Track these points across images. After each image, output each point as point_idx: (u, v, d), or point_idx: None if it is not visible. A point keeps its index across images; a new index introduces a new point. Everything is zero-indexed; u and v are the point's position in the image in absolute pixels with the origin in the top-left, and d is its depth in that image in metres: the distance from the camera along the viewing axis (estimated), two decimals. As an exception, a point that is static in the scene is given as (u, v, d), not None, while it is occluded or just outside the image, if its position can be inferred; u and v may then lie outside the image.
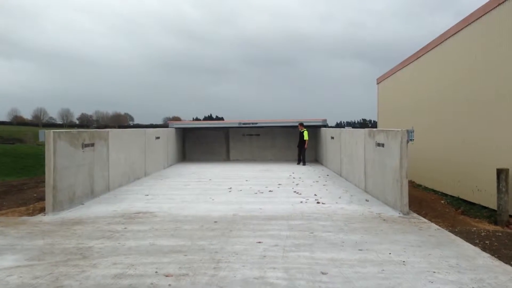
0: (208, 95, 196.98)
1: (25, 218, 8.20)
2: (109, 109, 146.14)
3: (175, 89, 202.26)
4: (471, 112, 10.60)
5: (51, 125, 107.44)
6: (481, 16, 9.90)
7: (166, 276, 4.97)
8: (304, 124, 19.42)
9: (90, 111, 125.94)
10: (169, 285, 4.69)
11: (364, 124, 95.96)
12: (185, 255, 5.73)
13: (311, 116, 21.75)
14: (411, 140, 8.25)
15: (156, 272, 5.09)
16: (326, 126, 19.90)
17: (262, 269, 5.16)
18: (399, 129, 8.41)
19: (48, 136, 8.26)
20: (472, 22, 10.40)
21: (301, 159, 19.22)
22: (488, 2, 9.63)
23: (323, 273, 5.03)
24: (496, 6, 9.34)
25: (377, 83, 20.35)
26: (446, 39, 11.96)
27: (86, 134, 9.81)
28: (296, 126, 19.90)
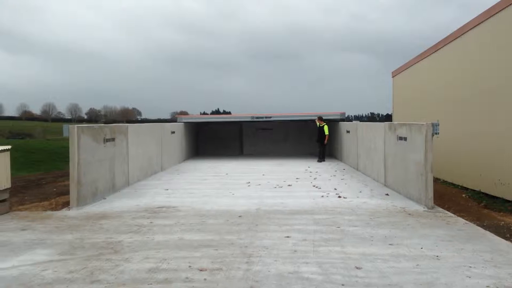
0: (213, 89, 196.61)
1: (50, 212, 8.24)
2: (117, 104, 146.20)
3: (180, 83, 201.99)
4: (493, 103, 10.47)
5: (60, 120, 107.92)
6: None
7: (200, 270, 4.96)
8: (323, 117, 18.30)
9: (98, 106, 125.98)
10: (205, 279, 4.68)
11: (372, 118, 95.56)
12: (216, 250, 5.72)
13: (315, 110, 21.25)
14: (436, 133, 8.18)
15: (190, 266, 5.09)
16: (344, 120, 19.04)
17: (295, 264, 5.14)
18: (424, 123, 8.34)
19: (72, 131, 8.29)
20: (495, 14, 10.26)
21: (322, 156, 18.09)
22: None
23: (357, 268, 5.00)
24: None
25: (392, 76, 20.20)
26: (471, 28, 11.78)
27: (107, 129, 9.83)
28: (310, 120, 19.26)
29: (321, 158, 18.06)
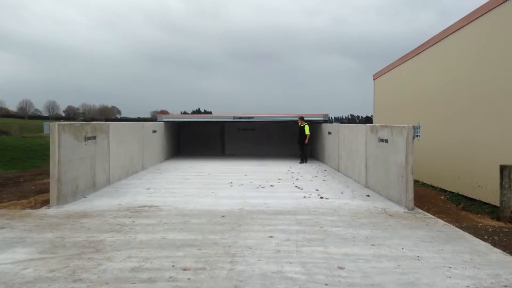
0: (194, 88, 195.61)
1: (29, 211, 8.10)
2: (96, 102, 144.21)
3: (161, 83, 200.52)
4: (473, 108, 10.70)
5: (37, 117, 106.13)
6: (487, 12, 9.97)
7: (184, 269, 4.94)
8: (305, 118, 18.07)
9: (76, 104, 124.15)
10: (189, 278, 4.67)
11: (352, 120, 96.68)
12: (199, 249, 5.71)
13: (297, 111, 21.07)
14: (417, 136, 8.31)
15: (173, 265, 5.07)
16: (327, 121, 18.85)
17: (279, 264, 5.17)
18: (405, 125, 8.46)
19: (53, 128, 8.16)
20: (476, 19, 10.48)
21: (304, 157, 17.96)
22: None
23: (340, 268, 5.04)
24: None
25: (374, 79, 20.45)
26: (447, 35, 12.03)
27: (88, 127, 9.71)
28: (293, 121, 19.04)
29: (303, 160, 17.94)
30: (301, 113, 18.54)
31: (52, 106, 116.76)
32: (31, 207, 8.54)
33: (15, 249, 5.63)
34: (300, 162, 17.73)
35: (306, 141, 17.74)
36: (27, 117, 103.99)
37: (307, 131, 17.64)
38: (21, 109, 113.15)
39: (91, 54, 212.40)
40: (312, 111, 18.76)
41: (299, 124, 18.03)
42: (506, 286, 4.52)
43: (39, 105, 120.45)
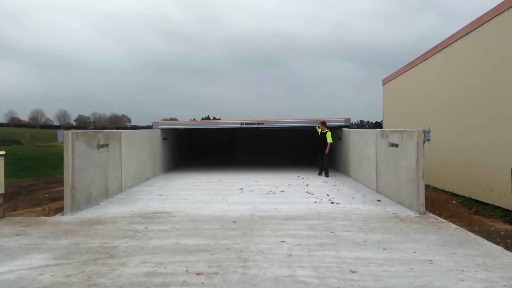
0: (202, 95, 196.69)
1: (44, 218, 8.22)
2: (106, 111, 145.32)
3: (168, 90, 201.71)
4: (483, 111, 10.67)
5: (48, 126, 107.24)
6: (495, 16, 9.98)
7: (197, 274, 5.00)
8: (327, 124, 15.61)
9: (87, 113, 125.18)
10: (202, 283, 4.72)
11: (361, 125, 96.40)
12: (212, 254, 5.76)
13: (305, 117, 19.21)
14: (427, 140, 8.32)
15: (186, 270, 5.12)
16: (349, 126, 16.37)
17: (291, 268, 5.20)
18: (415, 130, 8.47)
19: (67, 136, 8.29)
20: (484, 23, 10.48)
21: (323, 168, 15.37)
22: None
23: (352, 272, 5.07)
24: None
25: (383, 84, 20.43)
26: (456, 40, 12.03)
27: (101, 135, 9.84)
28: (305, 126, 17.58)
29: (323, 172, 15.45)
30: (317, 118, 16.31)
31: (63, 115, 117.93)
32: (46, 215, 8.66)
33: (31, 256, 5.73)
34: (318, 174, 15.55)
35: (327, 150, 15.12)
36: (39, 126, 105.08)
37: (329, 139, 15.06)
38: (33, 118, 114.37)
39: (97, 63, 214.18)
40: (316, 116, 16.04)
41: (319, 130, 15.53)
42: (519, 288, 4.52)
43: (50, 115, 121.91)
